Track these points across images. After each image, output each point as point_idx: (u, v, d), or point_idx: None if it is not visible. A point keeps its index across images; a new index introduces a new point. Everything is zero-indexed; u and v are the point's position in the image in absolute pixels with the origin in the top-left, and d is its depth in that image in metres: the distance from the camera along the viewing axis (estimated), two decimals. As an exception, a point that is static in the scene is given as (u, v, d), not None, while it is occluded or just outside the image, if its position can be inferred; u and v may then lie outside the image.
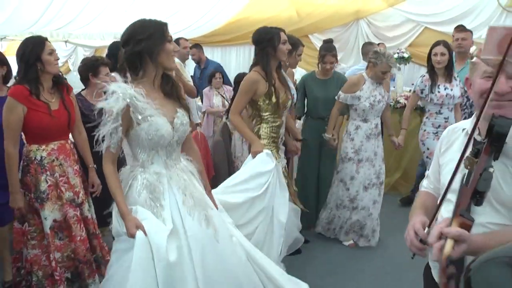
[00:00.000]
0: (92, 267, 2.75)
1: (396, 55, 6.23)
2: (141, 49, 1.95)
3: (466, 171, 1.21)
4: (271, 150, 2.97)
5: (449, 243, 1.05)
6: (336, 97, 3.75)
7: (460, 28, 4.54)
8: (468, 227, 1.07)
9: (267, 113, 3.00)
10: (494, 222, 1.26)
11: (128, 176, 2.06)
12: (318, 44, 7.53)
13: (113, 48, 3.94)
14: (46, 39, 2.63)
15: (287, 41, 2.98)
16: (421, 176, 4.77)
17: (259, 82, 2.93)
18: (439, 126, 3.86)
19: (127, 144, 2.07)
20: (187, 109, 2.17)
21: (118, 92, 1.90)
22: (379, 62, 3.56)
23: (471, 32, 4.55)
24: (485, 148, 1.18)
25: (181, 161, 2.18)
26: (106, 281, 2.03)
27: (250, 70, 3.06)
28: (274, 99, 2.94)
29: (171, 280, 1.88)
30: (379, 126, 3.75)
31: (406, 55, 5.68)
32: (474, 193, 1.11)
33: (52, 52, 2.58)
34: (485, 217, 1.25)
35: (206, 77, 5.87)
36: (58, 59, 2.65)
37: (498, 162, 1.21)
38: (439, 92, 3.82)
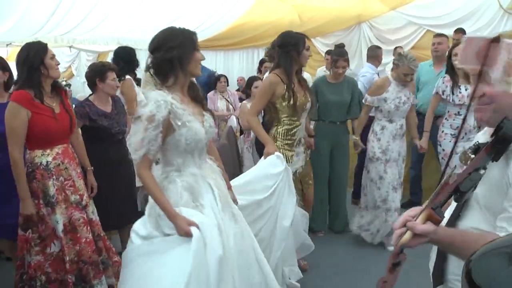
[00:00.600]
0: (98, 268, 2.75)
1: (398, 58, 6.26)
2: (171, 56, 2.00)
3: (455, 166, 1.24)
4: (284, 153, 3.03)
5: (408, 234, 1.08)
6: (363, 101, 3.82)
7: (437, 34, 4.96)
8: (436, 222, 1.08)
9: (284, 115, 3.06)
10: (479, 228, 1.21)
11: (164, 180, 2.09)
12: (320, 47, 7.58)
13: (119, 53, 3.99)
14: (46, 44, 2.65)
15: (309, 47, 3.09)
16: (414, 178, 4.82)
17: (278, 84, 3.02)
18: (457, 127, 3.84)
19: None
20: (211, 112, 2.25)
21: (159, 99, 1.94)
22: (401, 64, 3.61)
23: (446, 37, 4.79)
24: (486, 147, 1.16)
25: (207, 160, 2.24)
26: (127, 283, 2.03)
27: (270, 72, 3.14)
28: (291, 101, 3.01)
29: (221, 274, 1.93)
30: (404, 126, 3.79)
31: (408, 58, 5.71)
32: (456, 190, 1.11)
33: (53, 57, 2.61)
34: (472, 221, 1.23)
35: (198, 83, 5.91)
36: (58, 64, 2.67)
37: (497, 168, 1.17)
38: (460, 92, 3.78)
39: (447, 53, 4.06)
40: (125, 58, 3.84)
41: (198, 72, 2.14)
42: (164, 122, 1.95)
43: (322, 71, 6.51)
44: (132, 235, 2.08)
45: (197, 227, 1.92)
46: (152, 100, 1.95)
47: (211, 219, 2.02)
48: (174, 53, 2.00)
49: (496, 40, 1.13)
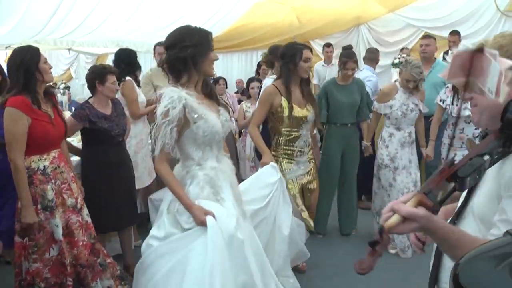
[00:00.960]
0: (95, 271, 2.75)
1: (397, 60, 6.30)
2: (186, 55, 2.03)
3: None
4: (282, 162, 3.09)
5: (394, 217, 1.03)
6: (372, 107, 3.87)
7: (424, 36, 5.12)
8: (427, 207, 1.03)
9: (282, 126, 3.12)
10: None
11: (185, 176, 2.11)
12: (319, 49, 7.60)
13: (120, 55, 4.01)
14: (38, 48, 2.61)
15: (310, 59, 3.08)
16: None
17: (275, 96, 3.08)
18: (453, 137, 3.81)
19: (177, 145, 2.12)
20: (226, 107, 2.29)
21: (173, 95, 1.98)
22: (404, 70, 3.63)
23: (434, 38, 4.87)
24: (495, 132, 1.08)
25: (225, 156, 2.27)
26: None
27: (274, 81, 3.22)
28: (287, 113, 3.05)
29: (241, 260, 1.98)
30: (413, 134, 3.78)
31: (407, 60, 5.75)
32: (454, 176, 1.03)
33: (46, 61, 2.59)
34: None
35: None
36: (51, 67, 2.65)
37: (492, 179, 1.11)
38: (457, 105, 3.70)
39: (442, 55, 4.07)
40: (125, 60, 3.86)
41: (211, 72, 2.18)
42: (179, 116, 1.98)
43: (320, 65, 6.54)
44: (150, 240, 2.10)
45: (213, 216, 1.95)
46: (166, 96, 1.99)
47: (231, 211, 2.06)
48: (188, 52, 2.02)
49: (480, 50, 1.10)
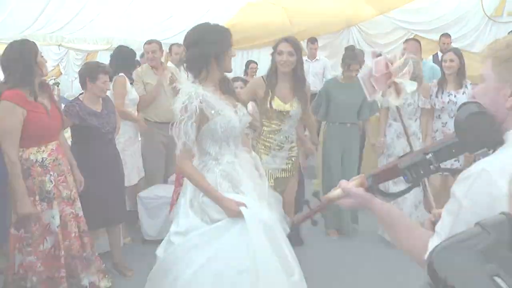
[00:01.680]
0: (83, 263, 2.79)
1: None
2: (208, 52, 2.07)
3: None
4: (258, 151, 3.10)
5: (338, 190, 1.23)
6: (380, 105, 3.95)
7: (407, 39, 5.39)
8: (365, 188, 1.19)
9: (264, 117, 3.14)
10: None
11: (202, 170, 2.13)
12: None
13: (120, 51, 4.02)
14: (34, 42, 2.65)
15: (283, 52, 3.03)
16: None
17: (259, 86, 3.12)
18: (437, 130, 3.93)
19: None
20: (243, 102, 2.32)
21: (190, 90, 2.00)
22: None
23: (418, 41, 5.04)
24: (451, 134, 1.10)
25: (243, 151, 2.29)
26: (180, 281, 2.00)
27: None
28: (267, 104, 3.07)
29: (277, 245, 2.03)
30: (413, 127, 3.85)
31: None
32: (395, 167, 1.16)
33: (41, 54, 2.64)
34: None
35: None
36: (46, 61, 2.70)
37: None
38: (442, 98, 3.86)
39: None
40: (125, 56, 3.89)
41: (230, 68, 2.24)
42: (197, 112, 2.00)
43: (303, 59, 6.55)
44: (171, 237, 2.08)
45: (245, 206, 1.99)
46: (183, 92, 2.01)
47: (254, 203, 2.08)
48: (210, 49, 2.06)
49: (378, 55, 1.18)
